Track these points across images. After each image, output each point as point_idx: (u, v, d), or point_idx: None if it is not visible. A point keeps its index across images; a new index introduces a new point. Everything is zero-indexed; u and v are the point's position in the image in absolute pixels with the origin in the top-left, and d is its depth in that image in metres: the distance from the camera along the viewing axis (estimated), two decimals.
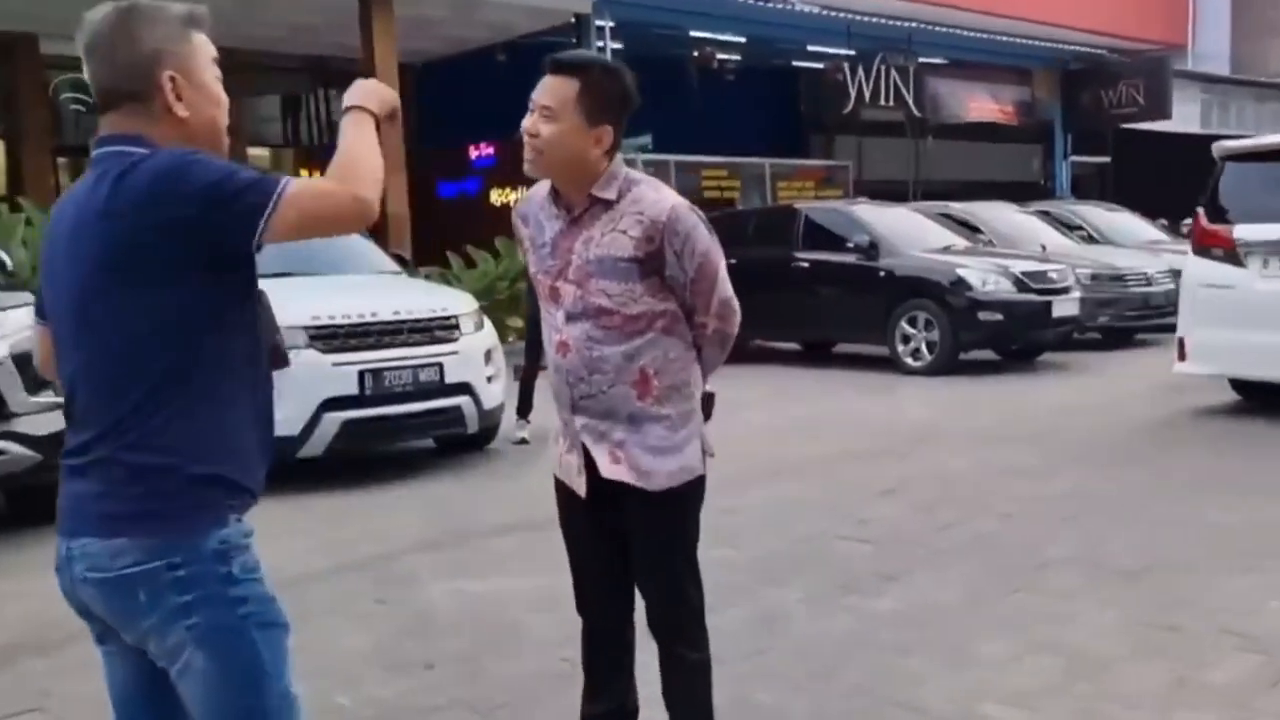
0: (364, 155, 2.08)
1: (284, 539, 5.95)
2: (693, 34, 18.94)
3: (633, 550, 2.88)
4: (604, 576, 2.97)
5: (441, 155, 18.47)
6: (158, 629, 2.01)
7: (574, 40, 16.50)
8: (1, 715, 3.80)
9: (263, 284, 6.79)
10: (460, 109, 17.94)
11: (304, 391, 6.88)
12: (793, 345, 13.38)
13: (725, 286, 2.81)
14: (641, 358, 2.73)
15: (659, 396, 2.76)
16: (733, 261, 10.84)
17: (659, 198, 2.72)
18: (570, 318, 2.75)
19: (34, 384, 6.13)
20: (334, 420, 6.97)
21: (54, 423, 6.15)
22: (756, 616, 4.52)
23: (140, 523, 1.99)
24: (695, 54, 19.42)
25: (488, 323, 8.00)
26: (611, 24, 16.69)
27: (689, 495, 2.85)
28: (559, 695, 3.64)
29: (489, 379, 7.68)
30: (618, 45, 17.73)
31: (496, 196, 17.09)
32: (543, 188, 2.85)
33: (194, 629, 2.00)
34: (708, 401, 2.97)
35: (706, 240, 2.73)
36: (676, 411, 2.79)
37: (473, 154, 18.18)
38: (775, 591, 4.83)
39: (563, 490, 2.95)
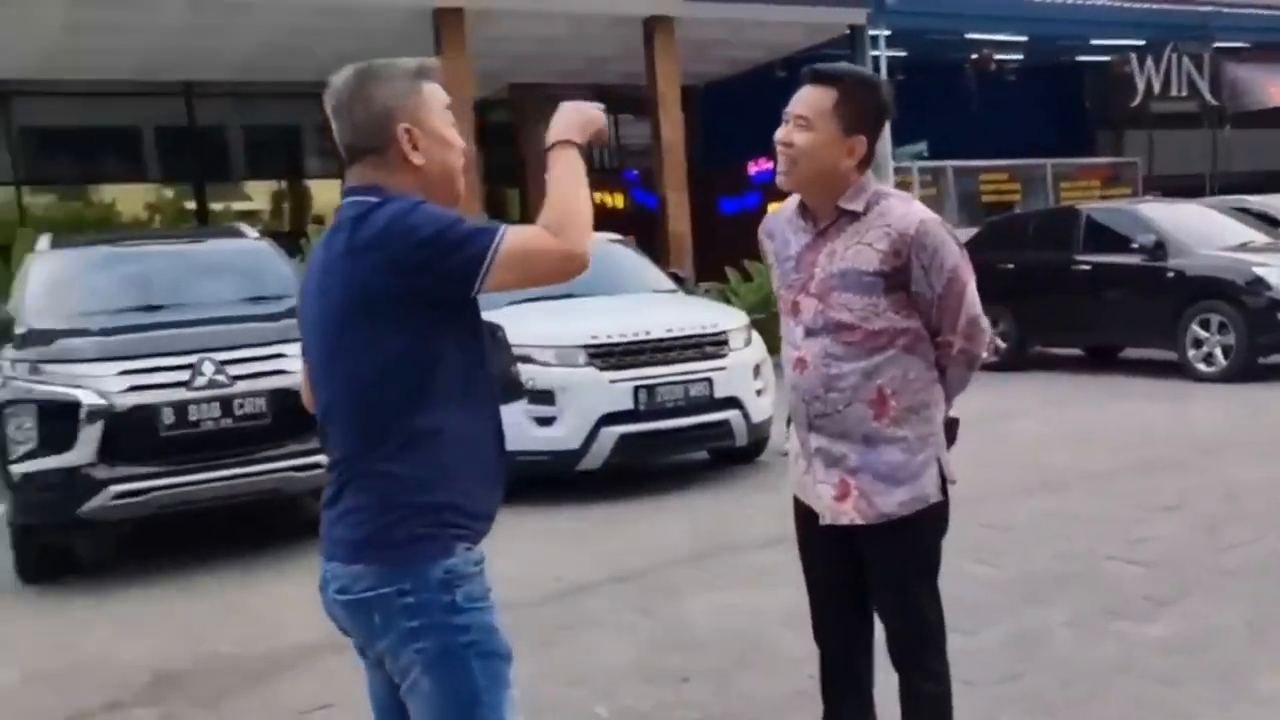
0: (574, 200, 2.11)
1: (564, 548, 6.20)
2: (970, 36, 18.32)
3: (869, 578, 2.78)
4: (841, 600, 2.86)
5: (723, 173, 18.65)
6: (391, 649, 2.11)
7: (849, 53, 16.29)
8: (303, 709, 4.12)
9: (545, 305, 7.11)
10: (740, 127, 17.98)
11: (583, 407, 7.10)
12: (1074, 351, 12.65)
13: (974, 304, 2.66)
14: (880, 376, 2.62)
15: (896, 418, 2.64)
16: (1010, 266, 10.70)
17: (907, 211, 2.61)
18: (809, 333, 2.67)
19: None
20: (611, 435, 7.14)
21: None
22: (1015, 638, 4.31)
23: (373, 550, 2.09)
24: (973, 56, 18.77)
25: (757, 337, 7.99)
26: (887, 33, 16.36)
27: (924, 523, 2.70)
28: (807, 715, 3.58)
29: (758, 393, 7.67)
30: (894, 53, 17.38)
31: (774, 210, 17.08)
32: (791, 202, 2.79)
33: (421, 653, 2.08)
34: (951, 427, 2.82)
35: (956, 255, 2.60)
36: (914, 434, 2.65)
37: (752, 170, 18.24)
38: (1037, 612, 4.58)
39: (801, 509, 2.86)
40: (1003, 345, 12.11)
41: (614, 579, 5.51)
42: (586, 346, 7.19)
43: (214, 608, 5.53)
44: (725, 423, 7.43)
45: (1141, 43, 18.94)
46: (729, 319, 7.95)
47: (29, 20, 13.25)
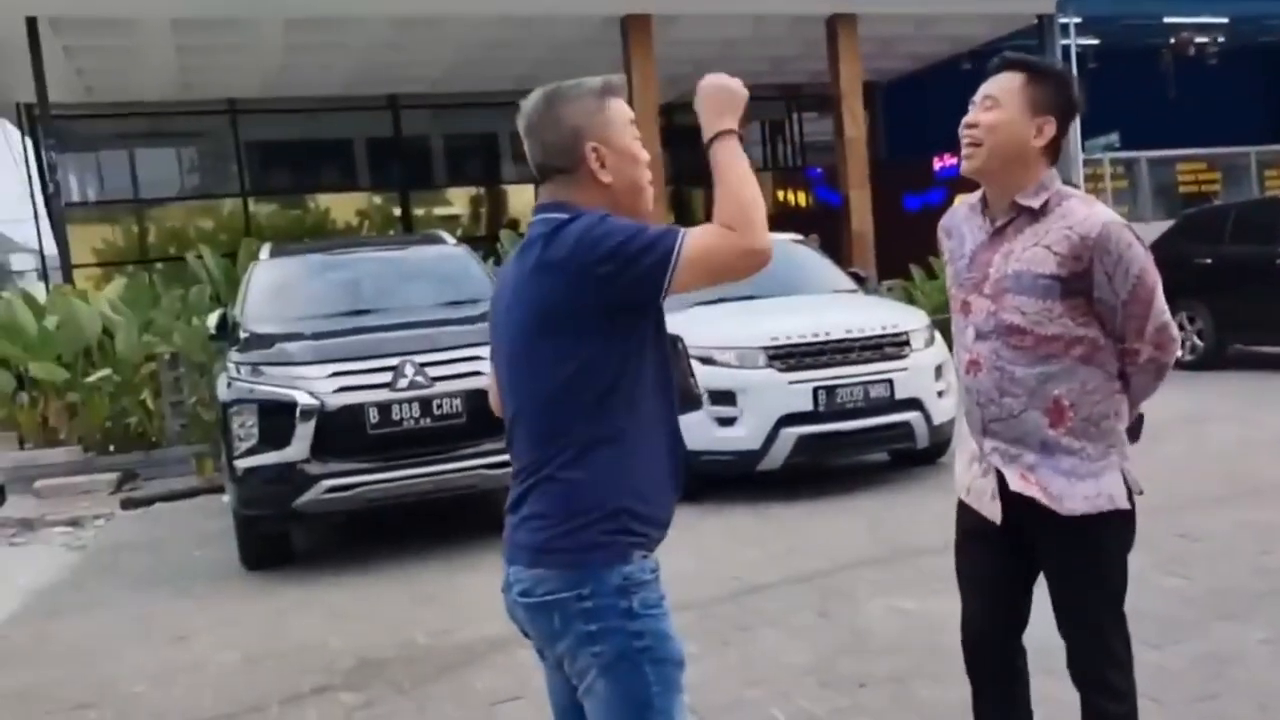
0: (747, 191, 2.07)
1: (742, 548, 6.19)
2: (1167, 20, 17.42)
3: (1050, 589, 2.63)
4: (999, 608, 2.72)
5: (907, 168, 18.26)
6: (570, 652, 2.14)
7: (1037, 43, 15.69)
8: (493, 701, 4.24)
9: (727, 307, 7.11)
10: (924, 122, 17.58)
11: (763, 408, 7.07)
12: (1277, 350, 11.85)
13: (1163, 310, 2.49)
14: (1056, 384, 2.49)
15: (1074, 429, 2.50)
16: (1208, 261, 10.08)
17: (1090, 213, 2.47)
18: (980, 335, 2.57)
19: None
20: (790, 435, 7.09)
21: None
22: (1207, 655, 4.06)
23: (554, 555, 2.12)
24: (1171, 41, 17.82)
25: (939, 338, 7.78)
26: (1078, 20, 15.72)
27: (1108, 529, 2.55)
28: None
29: (939, 394, 7.47)
30: (1086, 41, 16.68)
31: (954, 206, 16.62)
32: (971, 198, 2.69)
33: (598, 656, 2.10)
34: (1136, 424, 2.67)
35: (1142, 259, 2.44)
36: (1093, 446, 2.51)
37: (936, 165, 17.81)
38: (1232, 629, 4.31)
39: (966, 515, 2.74)
40: (1199, 344, 11.50)
41: (791, 580, 5.47)
42: (766, 348, 7.15)
43: (414, 598, 5.74)
44: (906, 424, 7.28)
45: None
46: (910, 319, 7.78)
47: (254, 45, 14.06)
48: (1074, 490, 2.51)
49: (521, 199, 19.95)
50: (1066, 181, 2.63)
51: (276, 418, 6.30)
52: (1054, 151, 2.55)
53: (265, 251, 8.36)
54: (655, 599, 2.15)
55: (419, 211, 19.27)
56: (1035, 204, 2.51)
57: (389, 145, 18.58)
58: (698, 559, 5.98)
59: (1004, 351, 2.53)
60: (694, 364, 7.25)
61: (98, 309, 10.84)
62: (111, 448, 10.50)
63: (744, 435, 7.14)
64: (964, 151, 2.56)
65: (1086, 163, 15.48)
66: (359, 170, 19.52)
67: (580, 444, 2.11)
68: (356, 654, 4.93)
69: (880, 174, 16.43)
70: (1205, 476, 6.89)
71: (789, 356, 7.20)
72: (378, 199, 19.24)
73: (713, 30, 15.01)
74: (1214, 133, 17.62)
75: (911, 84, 18.25)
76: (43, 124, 12.99)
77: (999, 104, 2.51)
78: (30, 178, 16.29)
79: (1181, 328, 11.61)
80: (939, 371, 7.54)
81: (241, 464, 6.35)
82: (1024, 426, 2.54)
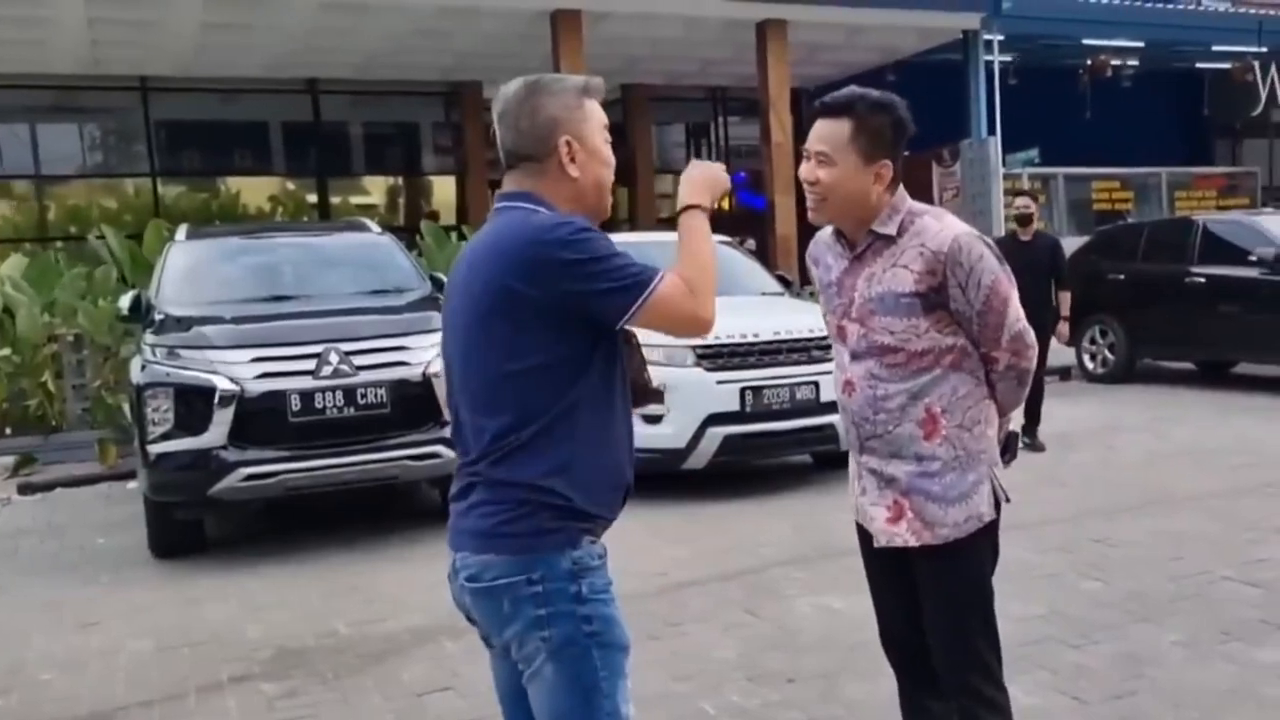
0: (708, 264, 2.20)
1: (669, 545, 6.23)
2: (1086, 42, 17.92)
3: (922, 601, 2.69)
4: (906, 619, 2.77)
5: None
6: (518, 636, 2.16)
7: (961, 57, 16.04)
8: (419, 692, 4.22)
9: None
10: None
11: (690, 407, 7.13)
12: (1186, 365, 12.30)
13: (1017, 318, 2.57)
14: (927, 396, 2.56)
15: (948, 437, 2.57)
16: (1121, 276, 10.40)
17: (942, 227, 2.54)
18: (855, 356, 2.63)
19: None
20: (716, 435, 7.16)
21: None
22: (1125, 656, 4.21)
23: (504, 540, 2.15)
24: (1089, 62, 18.35)
25: None
26: (1000, 38, 16.09)
27: (976, 545, 2.62)
28: None
29: None
30: (1007, 58, 17.08)
31: (817, 236, 16.92)
32: (826, 231, 2.75)
33: (547, 640, 2.13)
34: (1011, 441, 2.77)
35: (994, 270, 2.52)
36: (967, 452, 2.58)
37: None
38: (1148, 631, 4.47)
39: (862, 531, 2.80)
40: (1111, 358, 11.87)
41: (719, 577, 5.53)
42: (695, 347, 7.21)
43: (335, 588, 5.68)
44: (830, 426, 7.35)
45: (1263, 49, 18.31)
46: None
47: (167, 20, 13.74)
48: (946, 518, 2.58)
49: (443, 191, 19.82)
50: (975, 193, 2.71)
51: (193, 402, 6.18)
52: (896, 182, 2.60)
53: (182, 233, 8.18)
54: (603, 584, 2.19)
55: (336, 199, 18.99)
56: (890, 230, 2.57)
57: (307, 130, 18.29)
58: (624, 555, 5.91)
59: (877, 370, 2.59)
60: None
61: None
62: (8, 430, 10.18)
63: (670, 433, 7.19)
64: (809, 203, 2.62)
65: (1006, 176, 15.85)
66: (274, 155, 19.17)
67: (532, 433, 2.13)
68: (276, 644, 4.87)
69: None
70: (1117, 486, 7.12)
71: (717, 356, 7.27)
72: (293, 185, 18.92)
73: (643, 29, 15.06)
74: (1128, 153, 18.21)
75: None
76: None
77: (832, 160, 2.54)
78: None
79: (1093, 341, 12.04)
80: None
81: (155, 449, 6.21)
82: (899, 441, 2.59)
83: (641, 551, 6.07)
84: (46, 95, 16.88)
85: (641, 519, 6.81)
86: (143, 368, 6.47)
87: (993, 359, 2.60)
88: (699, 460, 7.23)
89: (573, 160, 2.22)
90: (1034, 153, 16.16)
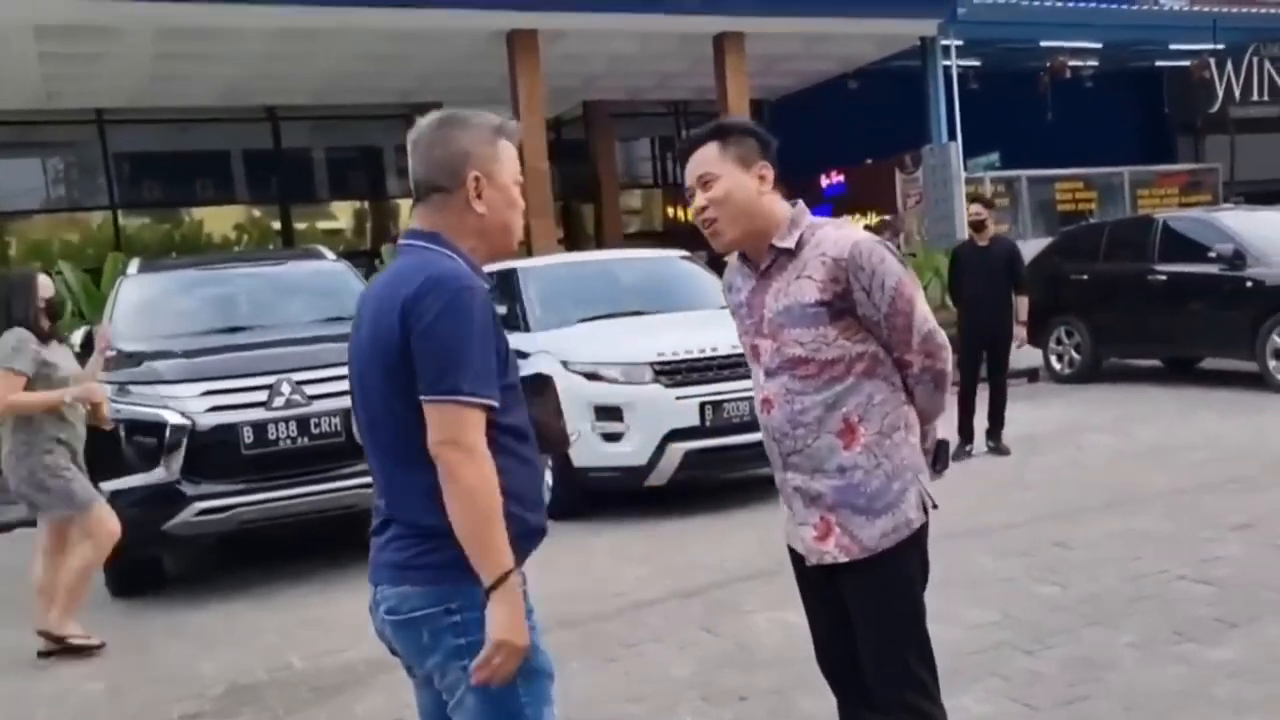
0: (479, 518, 2.08)
1: (630, 564, 6.22)
2: (1044, 44, 18.07)
3: (853, 617, 2.67)
4: (841, 639, 2.75)
5: (795, 186, 18.54)
6: (439, 666, 2.18)
7: (920, 63, 16.15)
8: None
9: (614, 323, 7.18)
10: (812, 140, 17.92)
11: (650, 424, 7.13)
12: (1152, 362, 12.39)
13: (925, 319, 2.58)
14: (843, 405, 2.56)
15: (867, 445, 2.57)
16: (1085, 277, 10.46)
17: (840, 235, 2.57)
18: (769, 373, 2.64)
19: None
20: (677, 450, 7.15)
21: None
22: (1078, 660, 4.22)
23: (418, 571, 2.16)
24: (1048, 64, 18.51)
25: None
26: (959, 43, 16.22)
27: (905, 557, 2.61)
28: None
29: None
30: (967, 63, 17.22)
31: (729, 262, 17.00)
32: (733, 257, 2.77)
33: (467, 670, 2.12)
34: (940, 450, 2.78)
35: (897, 272, 2.53)
36: (889, 460, 2.58)
37: (824, 182, 18.18)
38: (1101, 633, 4.48)
39: (793, 550, 2.79)
40: (1076, 358, 11.94)
41: (678, 595, 5.52)
42: (653, 363, 7.22)
43: (290, 622, 5.65)
44: None
45: (1221, 46, 18.53)
46: None
47: (119, 53, 13.70)
48: (874, 528, 2.58)
49: (406, 213, 19.80)
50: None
51: (144, 438, 6.14)
52: (779, 187, 2.64)
53: (134, 266, 8.14)
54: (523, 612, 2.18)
55: (301, 225, 18.97)
56: (790, 244, 2.60)
57: (268, 158, 18.26)
58: (584, 576, 6.01)
59: (791, 384, 2.59)
60: (580, 379, 7.31)
61: None
62: None
63: (631, 451, 7.19)
64: (708, 232, 2.63)
65: (968, 180, 15.97)
66: (236, 183, 19.12)
67: (429, 475, 2.12)
68: (228, 680, 4.84)
69: None
70: (1081, 487, 7.15)
71: (675, 372, 7.28)
72: (257, 212, 18.89)
73: (600, 45, 15.11)
74: (1090, 153, 18.36)
75: (799, 101, 18.60)
76: None
77: (715, 176, 2.59)
78: None
79: (1059, 342, 12.13)
80: None
81: (106, 487, 6.16)
82: (820, 454, 2.60)
83: (602, 572, 6.09)
84: (2, 131, 16.78)
85: (604, 537, 6.86)
86: None
87: (906, 362, 2.60)
88: (660, 477, 7.23)
89: (479, 196, 2.24)
90: (994, 157, 16.29)
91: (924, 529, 2.65)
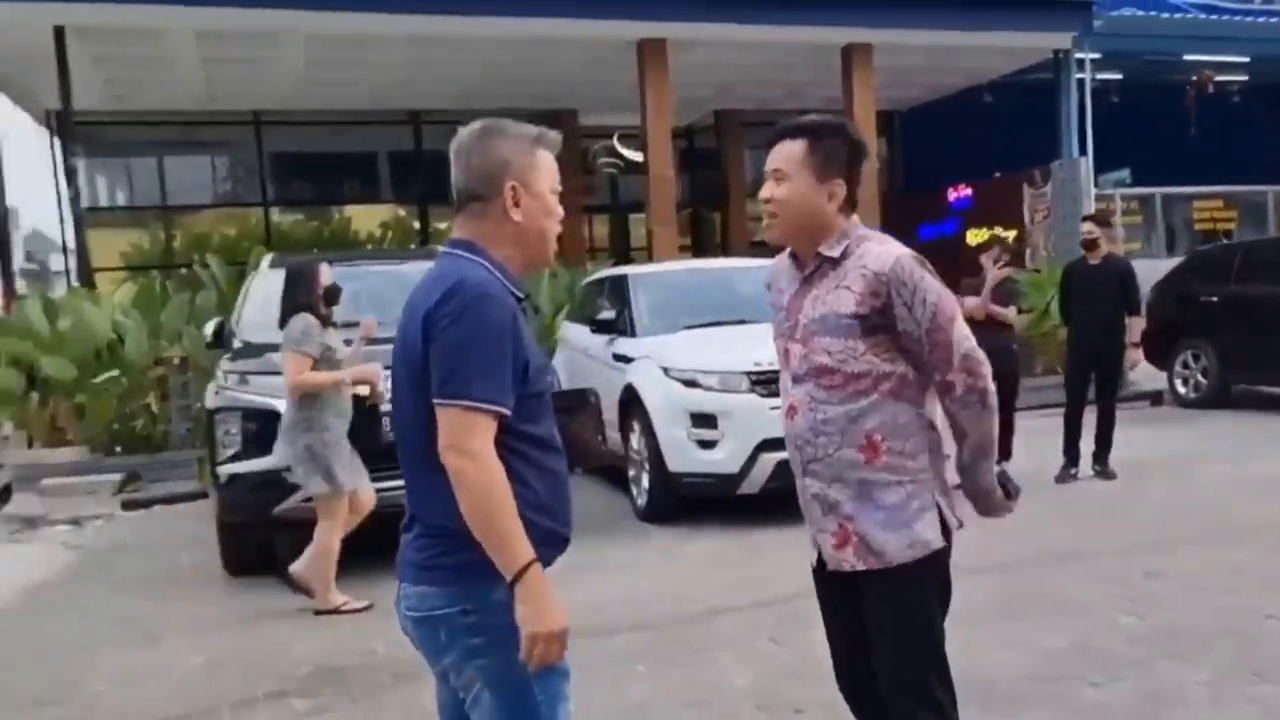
0: (489, 514, 2.13)
1: (713, 571, 6.23)
2: (1188, 58, 17.34)
3: (869, 630, 2.65)
4: (856, 650, 2.74)
5: (921, 199, 18.26)
6: (456, 664, 2.23)
7: (1053, 76, 15.68)
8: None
9: (714, 332, 7.22)
10: (940, 152, 17.64)
11: (744, 433, 7.10)
12: None
13: (965, 337, 2.54)
14: (867, 421, 2.54)
15: (889, 465, 2.55)
16: (1214, 299, 9.97)
17: (883, 250, 2.55)
18: (796, 379, 2.63)
19: None
20: (770, 460, 7.08)
21: None
22: (1145, 694, 4.07)
23: (437, 571, 2.22)
24: (1192, 78, 17.76)
25: None
26: (1095, 56, 15.68)
27: (922, 575, 2.57)
28: None
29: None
30: (1107, 76, 16.66)
31: (972, 237, 16.56)
32: (784, 254, 2.77)
33: (483, 670, 2.19)
34: (1003, 480, 2.69)
35: (937, 289, 2.51)
36: (910, 480, 2.55)
37: (951, 196, 17.79)
38: (1175, 668, 4.30)
39: (815, 565, 2.77)
40: (1203, 383, 11.42)
41: (754, 604, 5.49)
42: (749, 373, 7.18)
43: (381, 609, 5.79)
44: None
45: None
46: None
47: (274, 59, 14.28)
48: (888, 542, 2.55)
49: None
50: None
51: (260, 426, 6.39)
52: (850, 205, 2.62)
53: (266, 261, 8.48)
54: None
55: (441, 225, 19.43)
56: (835, 253, 2.59)
57: (410, 159, 18.78)
58: (667, 580, 6.04)
59: (816, 392, 2.58)
60: (679, 386, 7.33)
61: (108, 313, 11.00)
62: (118, 449, 10.63)
63: (724, 458, 7.17)
64: (764, 223, 2.65)
65: (1099, 197, 15.42)
66: (381, 183, 19.73)
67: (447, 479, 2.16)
68: (316, 661, 5.01)
69: (894, 204, 16.44)
70: (1185, 516, 6.87)
71: (771, 382, 7.21)
72: (400, 211, 19.42)
73: (729, 55, 15.09)
74: (1232, 171, 17.52)
75: (930, 113, 18.25)
76: (64, 132, 13.19)
77: (787, 177, 2.59)
78: (58, 183, 16.53)
79: (1186, 365, 11.62)
80: None
81: (224, 470, 6.45)
82: (840, 465, 2.58)
83: (686, 578, 6.10)
84: (168, 131, 17.65)
85: (692, 543, 6.87)
86: (216, 392, 6.72)
87: (949, 384, 2.56)
88: (752, 486, 7.18)
89: (516, 205, 2.27)
90: (1125, 173, 15.70)
91: (944, 552, 2.61)
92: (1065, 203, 15.03)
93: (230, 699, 4.61)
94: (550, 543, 2.26)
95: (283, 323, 5.86)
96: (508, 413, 2.17)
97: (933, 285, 2.52)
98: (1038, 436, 8.63)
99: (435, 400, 2.14)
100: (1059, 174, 15.42)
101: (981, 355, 2.58)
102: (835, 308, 2.56)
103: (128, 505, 9.42)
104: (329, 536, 5.77)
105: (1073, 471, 8.12)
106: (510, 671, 2.18)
